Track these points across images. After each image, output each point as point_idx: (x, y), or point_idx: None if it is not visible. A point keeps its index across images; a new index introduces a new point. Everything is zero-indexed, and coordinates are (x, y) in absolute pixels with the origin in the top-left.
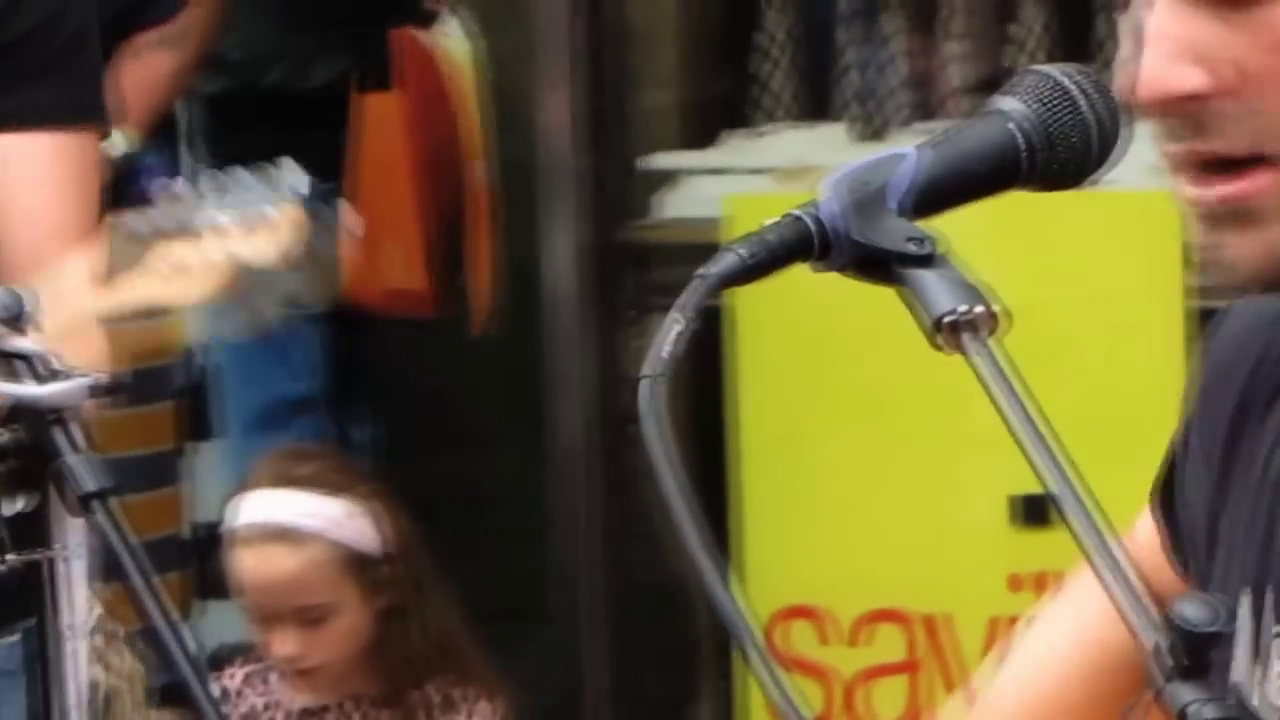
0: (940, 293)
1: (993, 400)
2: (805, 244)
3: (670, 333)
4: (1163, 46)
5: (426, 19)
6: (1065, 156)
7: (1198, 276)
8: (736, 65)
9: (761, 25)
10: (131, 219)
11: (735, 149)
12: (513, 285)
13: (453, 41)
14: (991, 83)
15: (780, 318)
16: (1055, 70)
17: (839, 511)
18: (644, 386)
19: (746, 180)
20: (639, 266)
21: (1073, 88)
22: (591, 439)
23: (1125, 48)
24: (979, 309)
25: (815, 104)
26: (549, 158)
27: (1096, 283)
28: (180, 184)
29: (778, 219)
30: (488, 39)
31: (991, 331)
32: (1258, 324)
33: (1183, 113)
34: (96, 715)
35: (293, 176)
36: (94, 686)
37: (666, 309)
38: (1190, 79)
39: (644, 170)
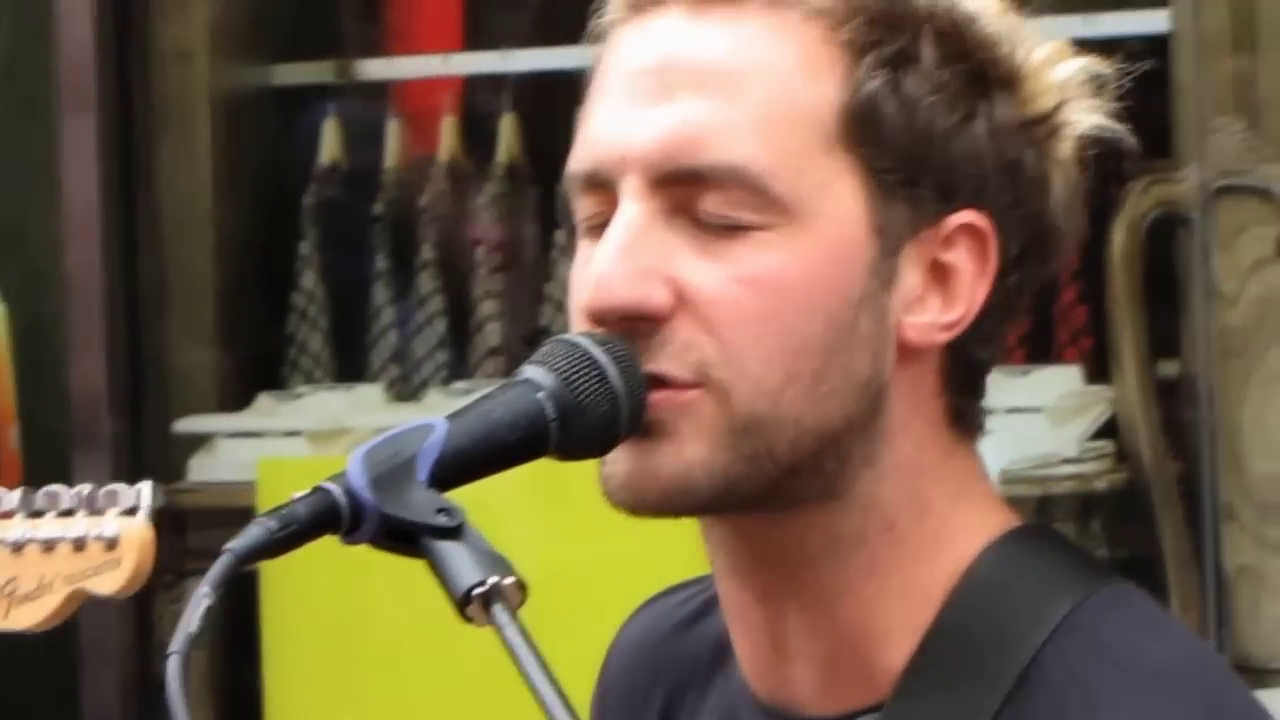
0: (468, 565)
1: (519, 670)
2: (334, 517)
3: (197, 608)
4: (633, 259)
5: None
6: (595, 425)
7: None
8: (273, 325)
9: (298, 285)
10: None
11: (270, 411)
12: None
13: None
14: (529, 340)
15: (308, 581)
16: (585, 339)
17: None
18: (170, 663)
19: (282, 443)
20: (174, 530)
21: (602, 357)
22: (127, 706)
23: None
24: (506, 581)
25: (352, 364)
26: (82, 421)
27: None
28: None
29: (307, 491)
30: (18, 301)
31: (518, 602)
32: (651, 638)
33: (635, 330)
34: None
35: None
36: None
37: (203, 573)
38: (657, 297)
39: (178, 433)
